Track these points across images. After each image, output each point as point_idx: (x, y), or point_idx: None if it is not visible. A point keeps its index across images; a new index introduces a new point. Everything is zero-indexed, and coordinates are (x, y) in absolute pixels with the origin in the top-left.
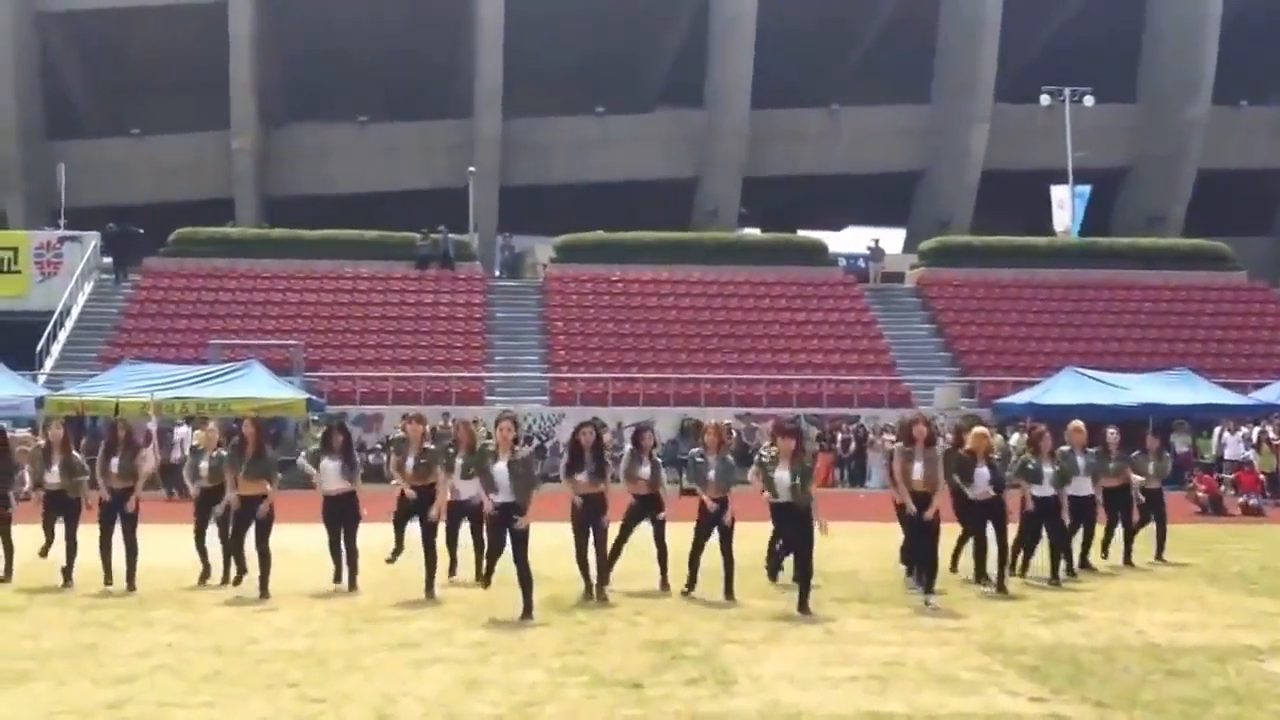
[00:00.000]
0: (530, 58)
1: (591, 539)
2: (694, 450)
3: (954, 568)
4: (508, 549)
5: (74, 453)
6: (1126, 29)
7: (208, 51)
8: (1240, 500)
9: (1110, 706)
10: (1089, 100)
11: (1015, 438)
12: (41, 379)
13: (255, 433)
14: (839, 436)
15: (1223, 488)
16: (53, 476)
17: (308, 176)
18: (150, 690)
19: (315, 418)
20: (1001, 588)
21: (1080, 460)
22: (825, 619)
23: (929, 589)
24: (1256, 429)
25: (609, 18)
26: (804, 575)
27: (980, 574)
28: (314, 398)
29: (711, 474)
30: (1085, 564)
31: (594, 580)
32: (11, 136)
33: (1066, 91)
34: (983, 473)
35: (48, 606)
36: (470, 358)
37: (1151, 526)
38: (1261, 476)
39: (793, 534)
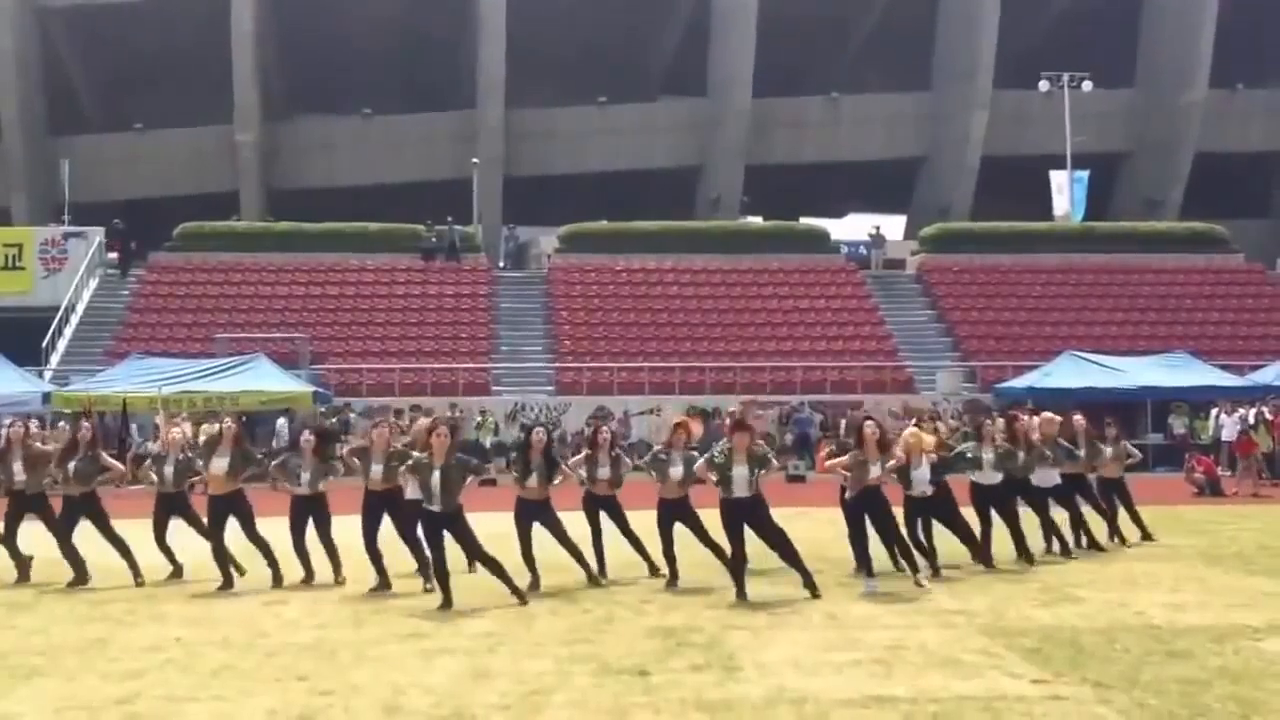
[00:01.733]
0: (533, 48)
1: (543, 533)
2: (656, 449)
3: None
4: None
5: (101, 450)
6: (1124, 14)
7: (211, 45)
8: (1197, 476)
9: (1110, 687)
10: (1087, 85)
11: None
12: (47, 375)
13: (236, 431)
14: (842, 423)
15: (1220, 469)
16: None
17: (312, 169)
18: (160, 685)
19: (323, 409)
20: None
21: (1049, 451)
22: (829, 604)
23: (915, 568)
24: (1253, 410)
25: (611, 7)
26: (797, 566)
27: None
28: (321, 390)
29: (674, 470)
30: (1064, 547)
31: (592, 569)
32: (15, 132)
33: (1065, 77)
34: (920, 474)
35: (57, 602)
36: (476, 348)
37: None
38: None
39: (757, 530)
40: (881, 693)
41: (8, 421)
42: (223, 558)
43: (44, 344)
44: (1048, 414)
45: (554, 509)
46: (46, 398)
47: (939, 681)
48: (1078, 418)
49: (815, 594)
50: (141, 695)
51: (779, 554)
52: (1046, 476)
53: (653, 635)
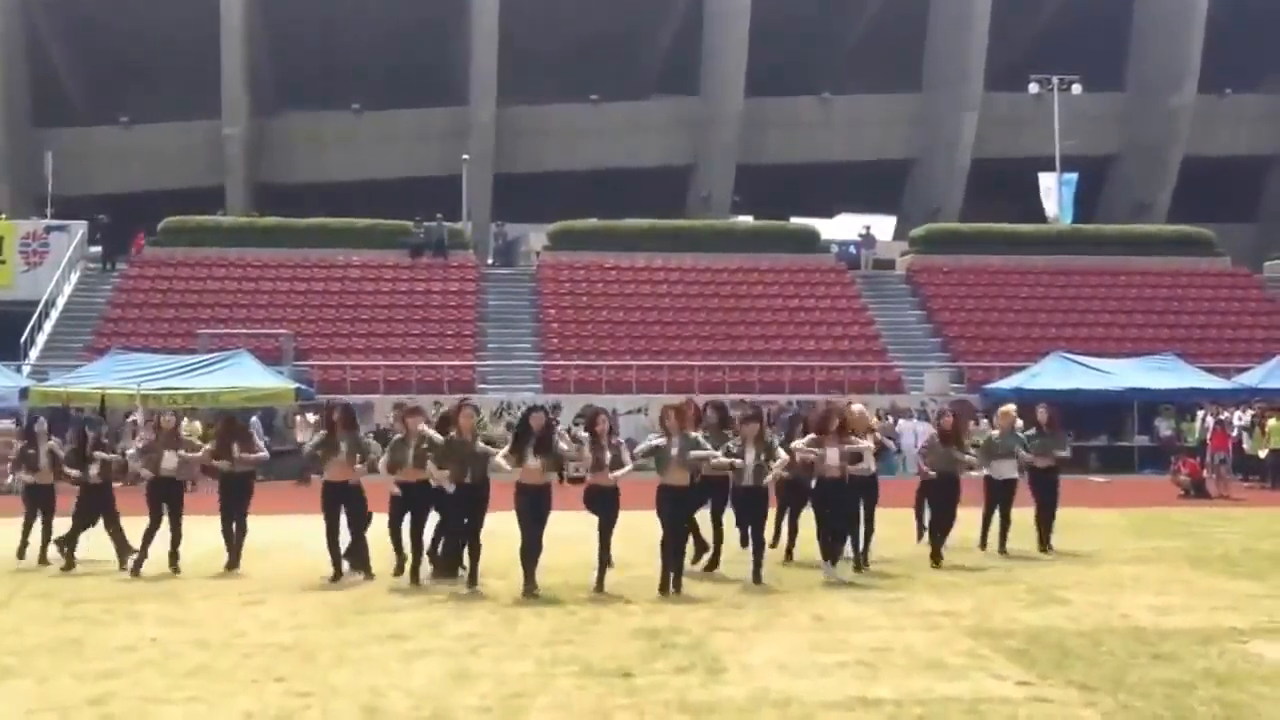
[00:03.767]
0: (525, 44)
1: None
2: (652, 439)
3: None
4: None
5: (184, 439)
6: (1114, 18)
7: (199, 38)
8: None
9: (1095, 689)
10: (1077, 89)
11: (984, 423)
12: (26, 370)
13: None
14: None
15: (1205, 471)
16: (169, 462)
17: (301, 164)
18: (134, 685)
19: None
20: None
21: (1006, 442)
22: (815, 606)
23: (851, 561)
24: (1238, 413)
25: (605, 5)
26: (757, 548)
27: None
28: (303, 386)
29: (675, 451)
30: (1003, 549)
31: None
32: None
33: (1055, 80)
34: (830, 452)
35: (31, 600)
36: (463, 346)
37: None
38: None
39: (751, 514)
40: (867, 694)
41: (164, 415)
42: (335, 549)
43: (23, 339)
44: (1007, 406)
45: (551, 497)
46: (24, 393)
47: (924, 683)
48: (1041, 409)
49: (758, 580)
50: (116, 696)
51: (751, 534)
52: (1004, 469)
53: (637, 636)
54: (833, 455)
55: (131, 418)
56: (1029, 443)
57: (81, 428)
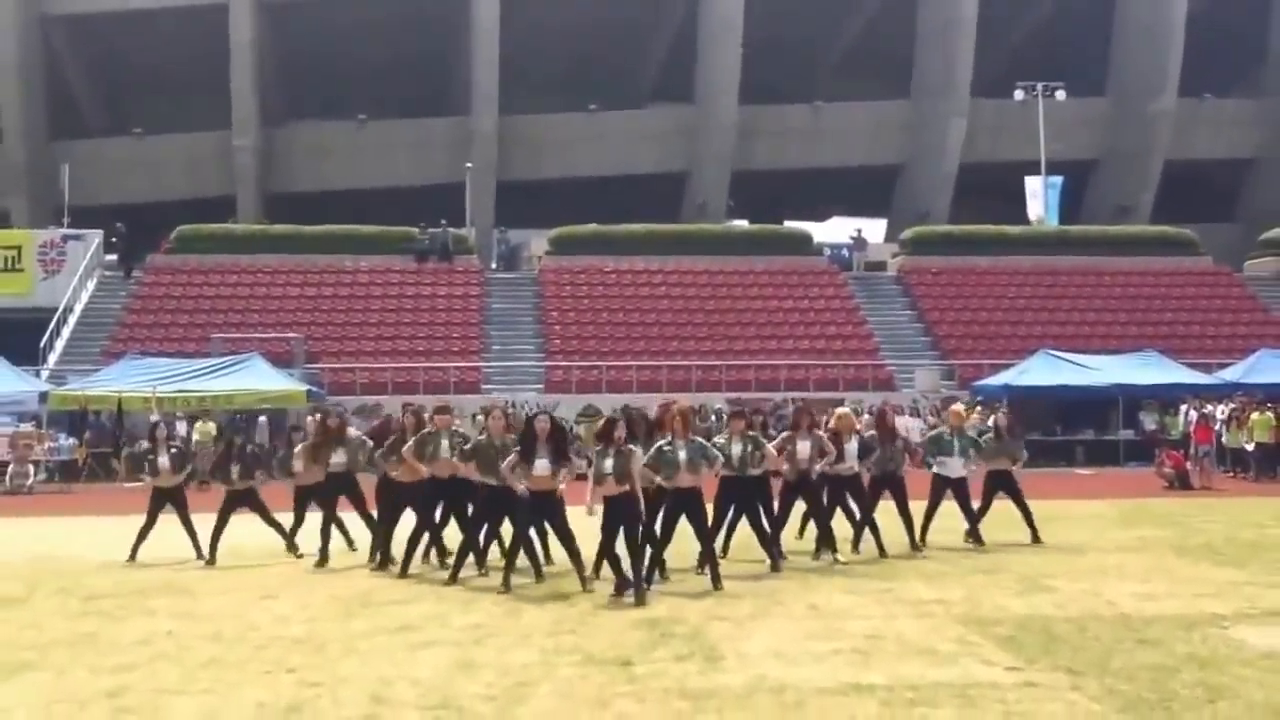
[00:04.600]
0: (525, 57)
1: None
2: (661, 443)
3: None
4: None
5: (351, 438)
6: (1096, 26)
7: (209, 53)
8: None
9: (1082, 674)
10: (1061, 95)
11: (975, 418)
12: (45, 374)
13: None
14: (825, 421)
15: (1188, 463)
16: (338, 456)
17: (308, 174)
18: (149, 678)
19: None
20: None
21: (956, 441)
22: (809, 595)
23: (834, 548)
24: (1220, 407)
25: (601, 19)
26: (765, 539)
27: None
28: (314, 389)
29: (683, 455)
30: (977, 539)
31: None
32: (16, 137)
33: (1039, 86)
34: (850, 449)
35: (49, 597)
36: (468, 347)
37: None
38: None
39: (742, 503)
40: (860, 681)
41: (328, 413)
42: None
43: (42, 344)
44: (956, 405)
45: (563, 502)
46: (44, 397)
47: (916, 670)
48: (999, 414)
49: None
50: (131, 688)
51: (753, 528)
52: (953, 466)
53: (637, 627)
54: (803, 449)
55: (154, 419)
56: (982, 445)
57: (231, 437)
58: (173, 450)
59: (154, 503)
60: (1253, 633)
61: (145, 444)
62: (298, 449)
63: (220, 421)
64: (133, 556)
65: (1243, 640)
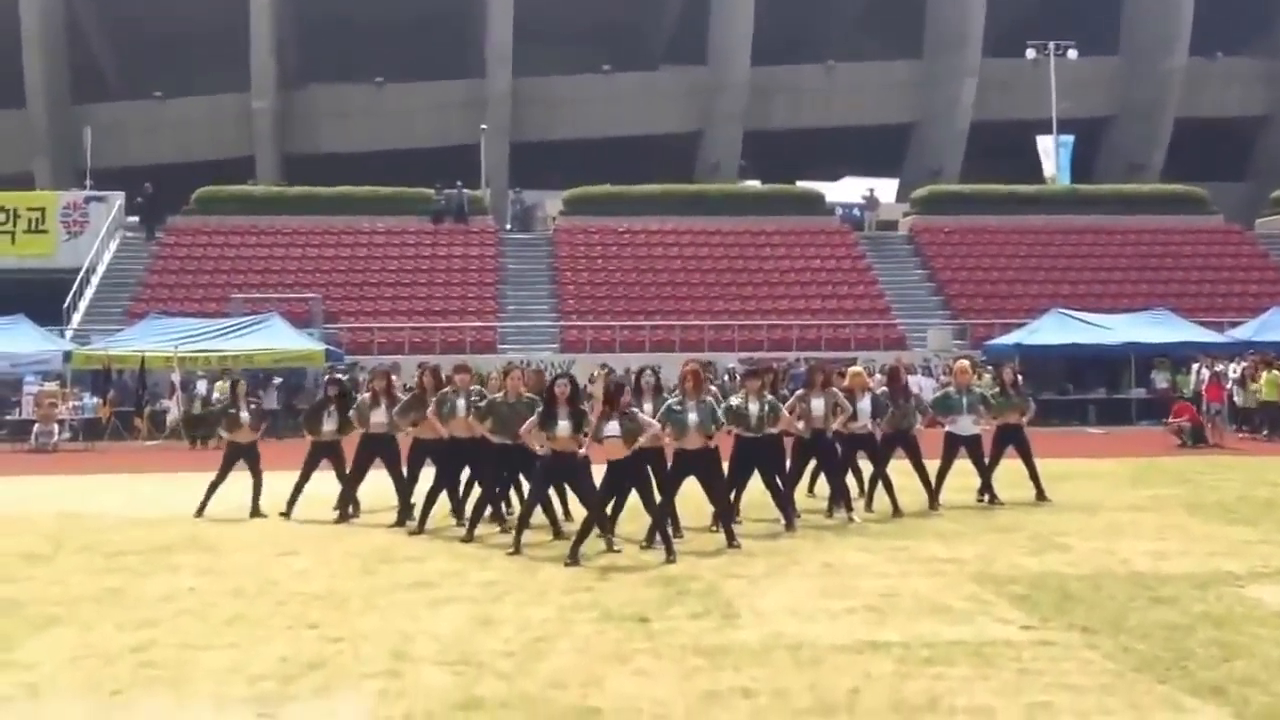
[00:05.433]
0: (539, 19)
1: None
2: (670, 402)
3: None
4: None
5: (398, 398)
6: None
7: (229, 16)
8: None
9: (1096, 632)
10: (1072, 53)
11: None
12: (69, 334)
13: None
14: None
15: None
16: (379, 416)
17: (326, 136)
18: (174, 633)
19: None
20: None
21: (964, 399)
22: (824, 554)
23: (850, 506)
24: (1231, 365)
25: None
26: (780, 498)
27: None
28: (332, 348)
29: (693, 416)
30: (991, 496)
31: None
32: (39, 100)
33: (1051, 45)
34: (862, 407)
35: (75, 554)
36: (484, 308)
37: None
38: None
39: (757, 463)
40: (875, 638)
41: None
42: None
43: (65, 305)
44: (961, 362)
45: (588, 464)
46: (67, 356)
47: (931, 627)
48: (1008, 369)
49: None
50: (156, 643)
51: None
52: (964, 424)
53: (653, 584)
54: (818, 406)
55: (174, 377)
56: (991, 400)
57: (319, 393)
58: (252, 406)
59: (228, 457)
60: (1267, 591)
61: (165, 402)
62: (386, 403)
63: (237, 377)
64: (200, 511)
65: (1258, 599)
